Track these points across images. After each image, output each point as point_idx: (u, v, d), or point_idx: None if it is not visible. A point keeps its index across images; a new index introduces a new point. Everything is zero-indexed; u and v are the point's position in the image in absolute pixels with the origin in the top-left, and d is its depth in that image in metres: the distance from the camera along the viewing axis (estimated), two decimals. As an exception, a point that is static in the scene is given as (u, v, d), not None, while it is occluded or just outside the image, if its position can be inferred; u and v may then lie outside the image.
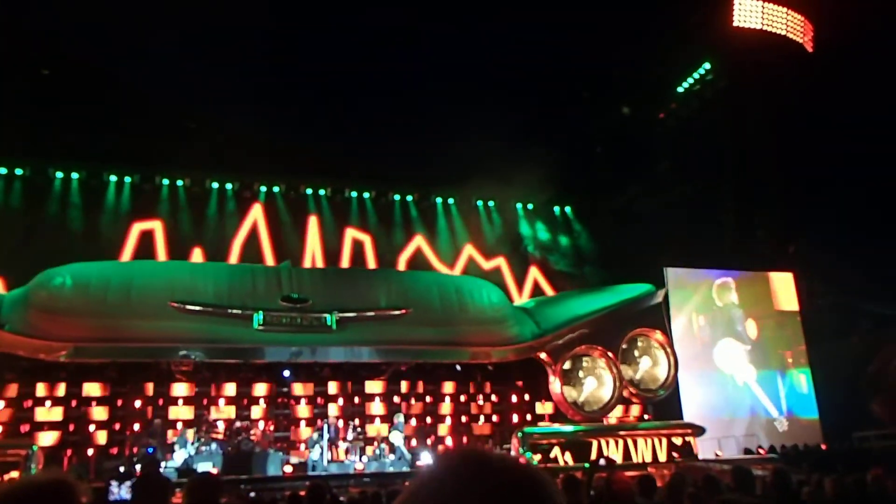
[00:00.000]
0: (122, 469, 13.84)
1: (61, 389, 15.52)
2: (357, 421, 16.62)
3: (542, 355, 17.27)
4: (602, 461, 14.12)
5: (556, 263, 22.87)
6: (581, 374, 17.53)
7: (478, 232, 22.76)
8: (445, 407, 18.12)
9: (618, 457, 15.59)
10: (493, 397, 18.32)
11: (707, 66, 22.33)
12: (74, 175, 19.41)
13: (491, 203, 23.25)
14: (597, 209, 23.02)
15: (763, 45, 21.84)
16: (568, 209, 23.99)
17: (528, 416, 17.92)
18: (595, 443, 16.13)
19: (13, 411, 15.06)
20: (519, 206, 23.53)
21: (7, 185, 18.85)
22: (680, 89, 22.84)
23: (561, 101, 19.01)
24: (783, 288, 21.75)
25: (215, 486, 2.77)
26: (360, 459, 15.31)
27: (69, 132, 17.93)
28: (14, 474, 12.59)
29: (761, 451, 18.37)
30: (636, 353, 18.04)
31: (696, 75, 22.50)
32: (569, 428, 16.62)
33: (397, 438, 15.76)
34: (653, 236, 19.62)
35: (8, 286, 16.43)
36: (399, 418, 16.48)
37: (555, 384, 17.19)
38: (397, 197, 22.42)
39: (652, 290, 18.49)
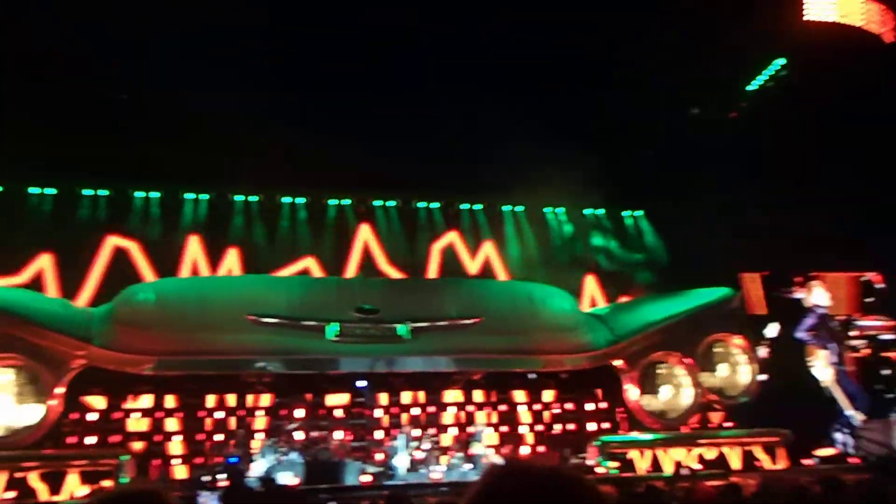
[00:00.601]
0: (205, 479, 14.23)
1: (147, 401, 16.05)
2: (433, 430, 16.65)
3: (618, 362, 17.01)
4: (684, 470, 13.79)
5: (625, 270, 22.50)
6: (658, 381, 17.19)
7: (545, 240, 22.56)
8: (520, 416, 17.99)
9: (699, 466, 15.18)
10: (569, 405, 18.09)
11: (779, 62, 21.66)
12: (154, 194, 20.15)
13: (560, 210, 23.03)
14: (667, 213, 22.54)
15: (837, 39, 21.05)
16: (639, 213, 23.59)
17: (606, 425, 17.62)
18: (675, 451, 15.77)
19: (103, 422, 15.65)
20: (588, 211, 23.24)
21: (93, 204, 19.69)
22: (751, 87, 22.20)
23: (626, 104, 18.68)
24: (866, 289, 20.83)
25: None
26: (437, 469, 15.33)
27: (147, 154, 18.62)
28: (106, 482, 13.09)
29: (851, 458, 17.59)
30: (715, 358, 17.58)
31: (767, 73, 21.84)
32: (647, 436, 16.28)
33: (479, 449, 15.71)
34: (727, 240, 19.09)
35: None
36: (480, 428, 16.45)
37: (631, 392, 16.90)
38: (465, 206, 22.40)
39: (730, 294, 18.01)
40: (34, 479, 13.17)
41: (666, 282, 21.07)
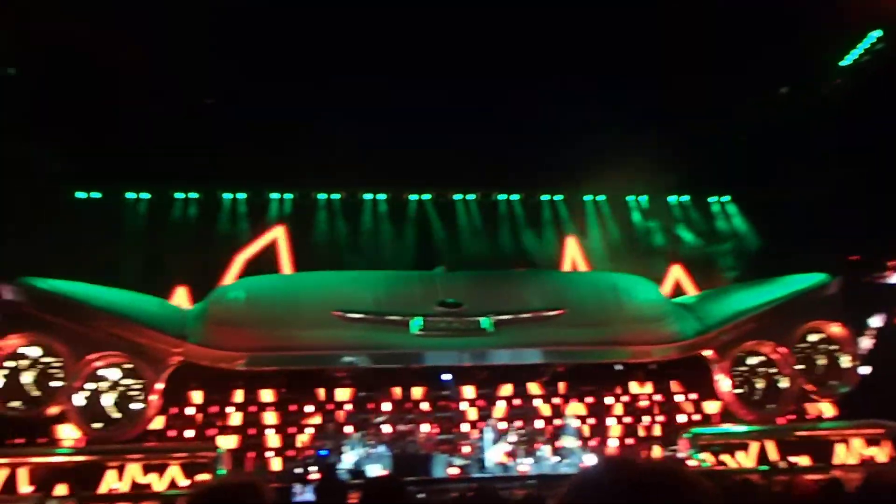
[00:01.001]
0: (297, 471, 14.62)
1: (240, 396, 16.58)
2: (519, 423, 16.60)
3: (708, 352, 16.56)
4: (782, 464, 13.32)
5: (713, 258, 21.82)
6: (751, 370, 16.64)
7: (629, 229, 22.13)
8: (607, 408, 17.72)
9: (799, 459, 14.64)
10: (657, 397, 17.72)
11: (875, 34, 20.48)
12: (241, 195, 20.80)
13: (643, 198, 22.55)
14: (755, 198, 21.74)
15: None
16: (726, 199, 22.86)
17: (696, 416, 17.18)
18: (766, 444, 15.25)
19: (200, 417, 16.27)
20: (673, 199, 22.68)
21: (184, 207, 20.49)
22: (845, 62, 21.10)
23: (711, 86, 18.02)
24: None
25: (398, 489, 2.82)
26: (524, 461, 15.28)
27: (236, 157, 19.22)
28: (204, 475, 13.60)
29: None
30: (811, 347, 16.89)
31: (862, 46, 20.70)
32: (741, 428, 15.80)
33: (570, 441, 15.58)
34: (818, 227, 18.26)
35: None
36: (570, 420, 16.31)
37: (723, 382, 16.43)
38: (546, 197, 22.20)
39: (826, 280, 17.22)
40: (137, 471, 13.81)
41: (756, 269, 20.34)
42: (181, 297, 18.74)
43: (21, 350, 14.96)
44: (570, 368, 17.20)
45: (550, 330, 16.00)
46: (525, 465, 15.18)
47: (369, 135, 18.06)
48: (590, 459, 15.33)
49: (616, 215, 22.22)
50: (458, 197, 21.81)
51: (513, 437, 15.73)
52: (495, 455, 15.20)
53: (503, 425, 16.15)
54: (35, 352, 15.00)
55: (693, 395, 17.59)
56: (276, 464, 15.97)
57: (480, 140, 18.51)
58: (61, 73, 16.11)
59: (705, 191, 22.66)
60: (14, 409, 14.66)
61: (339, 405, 16.89)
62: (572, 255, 21.40)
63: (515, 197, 22.06)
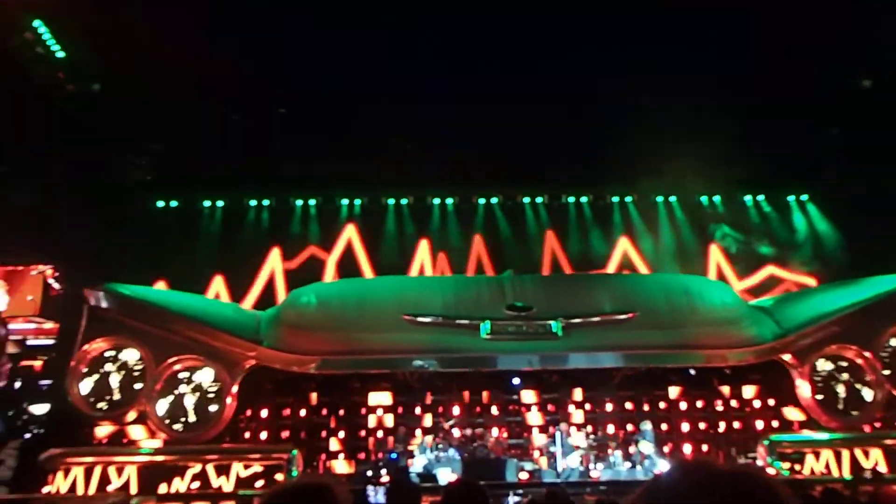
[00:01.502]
0: (369, 473, 14.78)
1: (313, 399, 16.86)
2: (590, 427, 16.40)
3: (787, 357, 16.02)
4: (867, 473, 12.78)
5: (791, 259, 21.07)
6: (834, 376, 16.01)
7: (699, 228, 21.54)
8: (681, 413, 17.32)
9: (885, 468, 14.01)
10: (733, 402, 17.23)
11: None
12: (311, 202, 21.18)
13: (716, 198, 21.97)
14: (837, 195, 20.90)
15: None
16: (804, 197, 22.05)
17: (775, 423, 16.63)
18: (850, 452, 14.65)
19: (273, 419, 16.61)
20: (748, 198, 22.01)
21: (258, 215, 20.98)
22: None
23: (787, 78, 17.39)
24: None
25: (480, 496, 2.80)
26: (596, 467, 15.09)
27: (303, 163, 19.60)
28: (279, 476, 13.89)
29: None
30: (899, 352, 16.14)
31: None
32: (823, 436, 15.22)
33: (647, 447, 15.31)
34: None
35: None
36: (647, 426, 16.02)
37: (803, 388, 15.86)
38: (615, 199, 21.84)
39: (915, 281, 16.45)
40: (214, 472, 14.20)
41: (837, 270, 19.58)
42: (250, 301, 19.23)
43: (106, 353, 15.58)
44: (642, 372, 16.90)
45: (621, 333, 15.74)
46: (596, 471, 14.98)
47: (436, 138, 18.17)
48: (665, 465, 15.02)
49: (688, 215, 21.67)
50: (526, 200, 21.64)
51: (584, 442, 15.54)
52: (568, 460, 15.05)
53: (574, 430, 15.98)
54: (119, 355, 15.60)
55: (771, 401, 17.04)
56: (346, 467, 16.18)
57: (547, 142, 18.38)
58: (141, 88, 16.74)
59: (783, 188, 21.89)
60: (99, 409, 15.27)
61: (410, 408, 17.00)
62: (640, 256, 20.99)
63: (584, 199, 21.75)
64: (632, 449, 15.54)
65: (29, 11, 15.71)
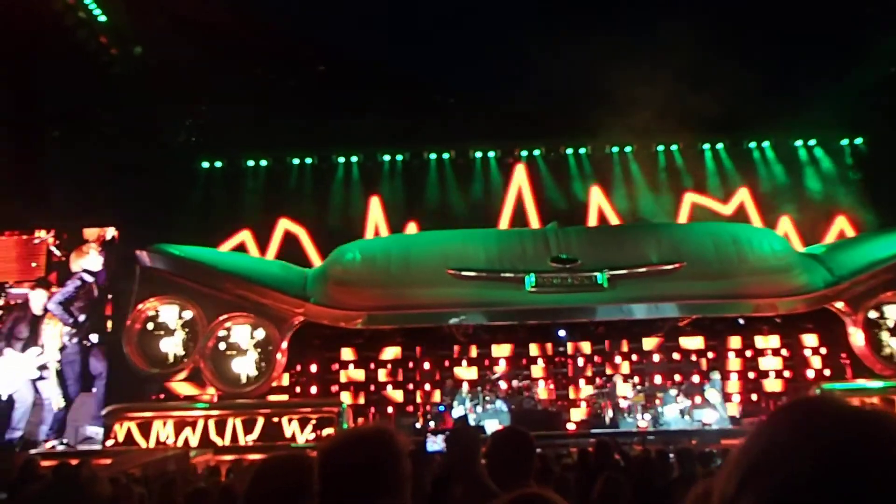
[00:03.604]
0: (417, 425, 15.02)
1: (360, 353, 17.11)
2: (637, 378, 16.36)
3: (839, 305, 15.68)
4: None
5: (844, 205, 20.37)
6: (889, 323, 15.65)
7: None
8: (731, 363, 17.17)
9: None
10: (784, 352, 16.99)
11: None
12: (353, 158, 21.18)
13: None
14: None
15: None
16: (858, 141, 21.27)
17: (826, 372, 16.38)
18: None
19: (323, 373, 16.92)
20: (798, 143, 21.28)
21: (300, 172, 21.08)
22: None
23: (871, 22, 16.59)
24: None
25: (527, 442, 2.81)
26: (643, 417, 15.10)
27: (343, 120, 19.52)
28: (329, 429, 14.19)
29: None
30: (958, 298, 15.69)
31: None
32: (877, 384, 14.96)
33: (714, 396, 15.23)
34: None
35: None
36: (715, 375, 15.90)
37: (856, 336, 15.55)
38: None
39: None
40: (267, 425, 14.56)
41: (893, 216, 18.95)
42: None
43: (159, 312, 15.97)
44: (689, 323, 16.75)
45: (668, 284, 15.56)
46: (644, 421, 14.99)
47: (477, 91, 17.95)
48: (708, 416, 14.98)
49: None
50: (569, 151, 21.30)
51: (630, 393, 15.54)
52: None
53: (620, 381, 15.95)
54: (171, 314, 15.98)
55: (822, 350, 16.76)
56: (396, 419, 16.46)
57: (589, 90, 17.95)
58: (182, 50, 16.80)
59: (837, 133, 21.12)
60: (154, 367, 15.72)
61: (456, 362, 17.15)
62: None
63: (629, 149, 21.29)
64: (698, 399, 15.44)
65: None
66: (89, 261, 16.55)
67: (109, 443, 14.67)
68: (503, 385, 16.21)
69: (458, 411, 15.23)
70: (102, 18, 16.62)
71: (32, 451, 13.78)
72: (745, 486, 0.81)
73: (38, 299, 16.10)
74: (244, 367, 15.79)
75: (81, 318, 15.57)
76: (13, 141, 16.76)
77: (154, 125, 18.89)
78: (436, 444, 11.39)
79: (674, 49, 15.58)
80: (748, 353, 17.16)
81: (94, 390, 16.16)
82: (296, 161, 21.13)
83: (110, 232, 18.13)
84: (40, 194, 17.12)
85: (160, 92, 17.74)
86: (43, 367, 15.67)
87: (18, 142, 16.92)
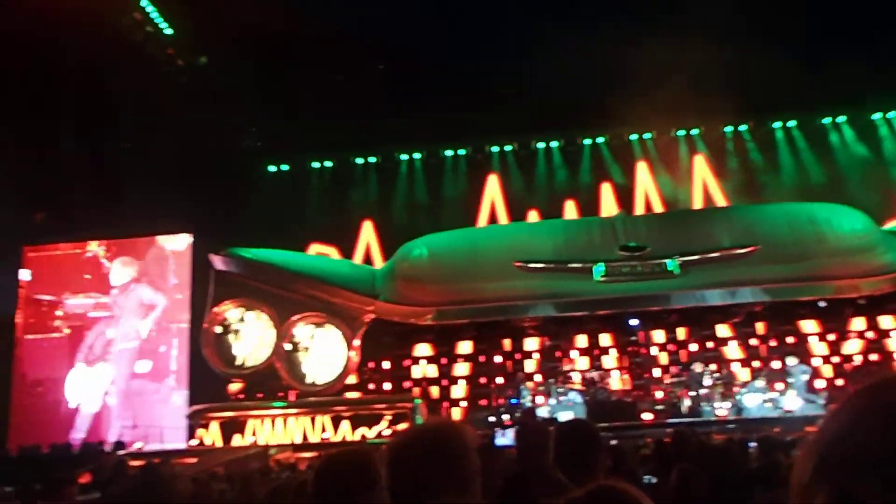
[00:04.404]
0: (491, 419, 15.00)
1: (432, 349, 17.20)
2: (714, 366, 15.96)
3: (927, 283, 14.98)
4: None
5: None
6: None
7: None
8: (812, 347, 16.57)
9: None
10: (870, 334, 16.31)
11: None
12: (416, 155, 21.26)
13: (891, 115, 20.21)
14: None
15: None
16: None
17: (917, 353, 15.66)
18: None
19: (395, 370, 17.08)
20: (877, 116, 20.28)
21: (364, 173, 21.26)
22: None
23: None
24: None
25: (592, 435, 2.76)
26: (722, 405, 14.72)
27: (405, 119, 19.59)
28: (403, 424, 14.31)
29: None
30: None
31: None
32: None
33: (797, 382, 14.78)
34: None
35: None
36: (796, 361, 15.42)
37: (948, 315, 14.83)
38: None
39: None
40: (343, 422, 14.79)
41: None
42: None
43: (234, 314, 16.40)
44: (766, 307, 16.24)
45: (743, 268, 15.14)
46: (723, 409, 14.62)
47: (537, 83, 17.76)
48: (791, 402, 14.51)
49: (811, 141, 20.20)
50: (633, 137, 20.86)
51: (708, 381, 15.16)
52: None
53: (698, 368, 15.56)
54: (246, 315, 16.39)
55: (912, 331, 16.03)
56: (469, 412, 16.47)
57: (651, 76, 17.56)
58: (244, 57, 17.16)
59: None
60: (232, 367, 16.15)
61: (527, 354, 17.06)
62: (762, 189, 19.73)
63: (695, 132, 20.66)
64: (778, 385, 14.99)
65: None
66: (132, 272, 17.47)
67: (194, 442, 15.15)
68: (576, 376, 16.05)
69: (540, 406, 15.17)
70: (168, 31, 17.13)
71: (121, 452, 14.35)
72: (820, 471, 0.78)
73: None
74: (318, 365, 16.09)
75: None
76: (87, 154, 17.43)
77: (220, 132, 19.36)
78: (505, 438, 11.37)
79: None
80: (831, 337, 16.53)
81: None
82: (359, 160, 21.34)
83: (184, 239, 18.73)
84: (114, 205, 17.77)
85: (225, 99, 18.18)
86: (110, 382, 16.63)
87: (92, 155, 17.59)
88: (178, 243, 18.82)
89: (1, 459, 15.13)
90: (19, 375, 18.54)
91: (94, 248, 18.96)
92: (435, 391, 16.92)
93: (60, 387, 18.31)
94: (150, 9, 16.76)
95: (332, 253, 19.25)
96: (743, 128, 20.48)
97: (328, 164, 21.41)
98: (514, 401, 15.56)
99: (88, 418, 17.99)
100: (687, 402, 14.89)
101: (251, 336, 16.35)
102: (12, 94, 16.31)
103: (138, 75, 16.65)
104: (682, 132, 20.61)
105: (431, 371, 17.14)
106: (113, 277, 18.81)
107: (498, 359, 17.08)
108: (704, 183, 19.75)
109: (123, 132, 17.96)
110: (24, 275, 19.04)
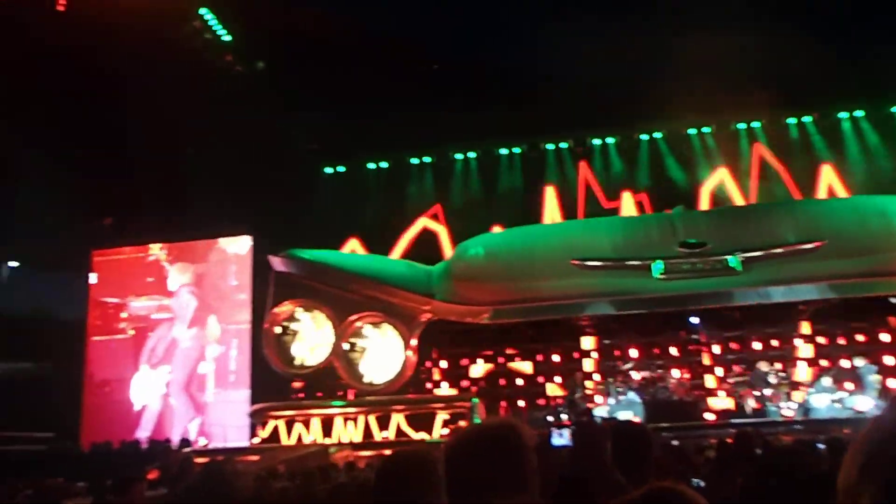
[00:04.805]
0: (549, 418, 14.90)
1: (489, 348, 17.18)
2: (780, 365, 15.52)
3: None
4: None
5: None
6: None
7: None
8: (883, 346, 15.97)
9: None
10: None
11: None
12: (471, 154, 21.26)
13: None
14: None
15: None
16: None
17: None
18: None
19: (453, 369, 17.11)
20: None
21: (420, 173, 21.34)
22: None
23: None
24: None
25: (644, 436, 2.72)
26: (789, 405, 14.33)
27: (459, 118, 19.60)
28: (462, 423, 14.33)
29: None
30: None
31: None
32: None
33: (868, 381, 14.32)
34: None
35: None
36: (861, 361, 14.93)
37: None
38: (792, 120, 20.02)
39: None
40: (401, 421, 14.88)
41: None
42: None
43: (294, 315, 16.66)
44: (834, 305, 15.73)
45: (808, 264, 14.67)
46: (789, 410, 14.22)
47: (591, 79, 17.56)
48: (862, 403, 14.02)
49: (881, 132, 19.49)
50: (692, 132, 20.44)
51: (773, 380, 14.77)
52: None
53: (764, 367, 15.15)
54: (305, 316, 16.64)
55: None
56: (528, 412, 16.39)
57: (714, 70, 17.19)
58: (300, 60, 17.44)
59: None
60: (293, 366, 16.42)
61: (586, 353, 16.90)
62: (829, 181, 19.14)
63: (756, 124, 20.17)
64: (849, 385, 14.52)
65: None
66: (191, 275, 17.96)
67: (255, 440, 15.45)
68: (636, 376, 15.81)
69: (600, 405, 15.02)
70: (227, 38, 17.51)
71: (187, 450, 14.73)
72: (865, 472, 0.75)
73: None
74: (376, 365, 16.23)
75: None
76: (152, 160, 17.93)
77: (278, 136, 19.70)
78: (562, 438, 11.27)
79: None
80: (904, 335, 15.92)
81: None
82: (415, 160, 21.45)
83: (245, 241, 19.11)
84: (177, 209, 18.25)
85: (282, 103, 18.49)
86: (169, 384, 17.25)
87: (158, 160, 18.09)
88: (239, 246, 19.20)
89: (74, 456, 15.68)
90: (88, 375, 19.22)
91: (157, 251, 19.47)
92: (492, 390, 16.89)
93: (126, 387, 18.90)
94: (208, 17, 17.17)
95: (389, 253, 19.39)
96: (807, 119, 19.89)
97: (384, 164, 21.58)
98: (570, 401, 15.39)
99: (154, 417, 18.52)
100: (751, 402, 14.54)
101: (310, 336, 16.59)
102: (82, 105, 16.91)
103: (198, 82, 17.06)
104: (742, 125, 20.13)
105: (488, 370, 17.11)
106: (171, 281, 19.32)
107: (555, 357, 16.96)
108: (767, 177, 19.25)
109: (185, 138, 18.42)
110: (92, 278, 19.70)
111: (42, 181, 17.49)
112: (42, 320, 20.09)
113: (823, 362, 15.76)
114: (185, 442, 16.83)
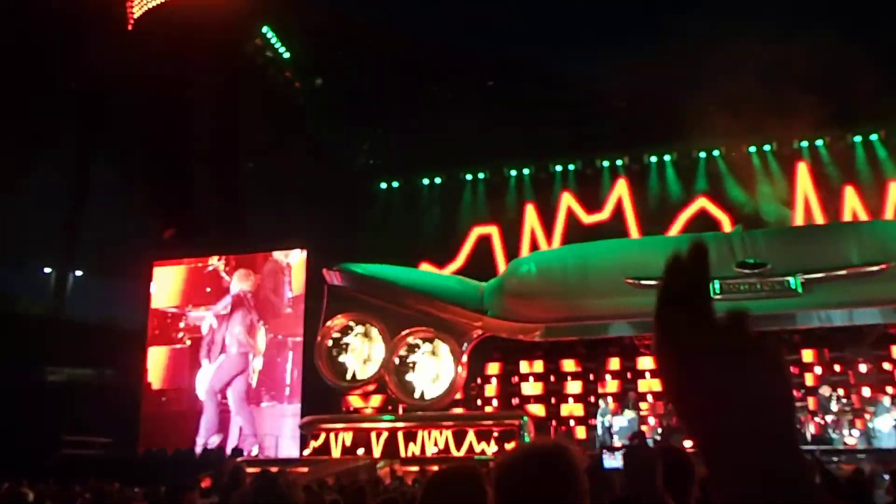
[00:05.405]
0: (600, 439, 14.66)
1: (540, 366, 17.03)
2: (841, 391, 15.01)
3: None
4: None
5: None
6: None
7: None
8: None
9: None
10: None
11: None
12: (525, 170, 21.23)
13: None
14: None
15: None
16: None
17: None
18: None
19: (503, 386, 17.01)
20: None
21: (473, 188, 21.38)
22: None
23: None
24: None
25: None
26: (850, 433, 13.82)
27: (514, 134, 19.58)
28: (511, 442, 14.21)
29: None
30: None
31: None
32: None
33: None
34: None
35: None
36: None
37: None
38: (857, 139, 19.48)
39: None
40: (449, 437, 14.83)
41: None
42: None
43: (346, 328, 16.81)
44: (900, 329, 15.16)
45: (872, 287, 14.19)
46: (851, 438, 13.71)
47: (648, 96, 17.43)
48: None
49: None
50: (752, 150, 20.02)
51: (835, 407, 14.27)
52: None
53: (827, 392, 14.65)
54: (357, 329, 16.76)
55: None
56: (580, 432, 16.18)
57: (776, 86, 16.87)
58: (357, 77, 17.72)
59: None
60: (344, 380, 16.54)
61: (640, 374, 16.61)
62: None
63: (819, 142, 19.65)
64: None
65: (258, 18, 17.17)
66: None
67: (306, 452, 15.58)
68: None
69: (647, 427, 14.74)
70: (286, 55, 17.89)
71: (239, 459, 14.93)
72: None
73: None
74: (426, 380, 16.23)
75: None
76: (214, 174, 18.39)
77: (335, 151, 20.00)
78: (614, 460, 11.07)
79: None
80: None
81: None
82: (468, 176, 21.51)
83: (299, 254, 19.39)
84: (235, 222, 18.64)
85: (339, 119, 18.78)
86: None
87: (218, 175, 18.54)
88: (293, 259, 19.47)
89: (130, 462, 16.06)
90: (146, 385, 19.66)
91: (215, 262, 19.84)
92: (543, 409, 16.72)
93: (182, 396, 19.25)
94: (270, 34, 17.58)
95: (442, 269, 19.45)
96: (873, 137, 19.33)
97: (438, 180, 21.69)
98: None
99: (210, 427, 18.83)
100: (812, 429, 14.07)
101: (362, 349, 16.70)
102: (146, 121, 17.45)
103: (259, 98, 17.47)
104: (805, 143, 19.65)
105: (540, 388, 16.96)
106: (233, 286, 19.64)
107: (608, 377, 16.72)
108: (828, 196, 18.75)
109: (245, 153, 18.85)
110: (152, 288, 20.21)
111: (109, 195, 18.08)
112: (106, 329, 20.71)
113: (889, 389, 15.17)
114: (238, 451, 17.07)
